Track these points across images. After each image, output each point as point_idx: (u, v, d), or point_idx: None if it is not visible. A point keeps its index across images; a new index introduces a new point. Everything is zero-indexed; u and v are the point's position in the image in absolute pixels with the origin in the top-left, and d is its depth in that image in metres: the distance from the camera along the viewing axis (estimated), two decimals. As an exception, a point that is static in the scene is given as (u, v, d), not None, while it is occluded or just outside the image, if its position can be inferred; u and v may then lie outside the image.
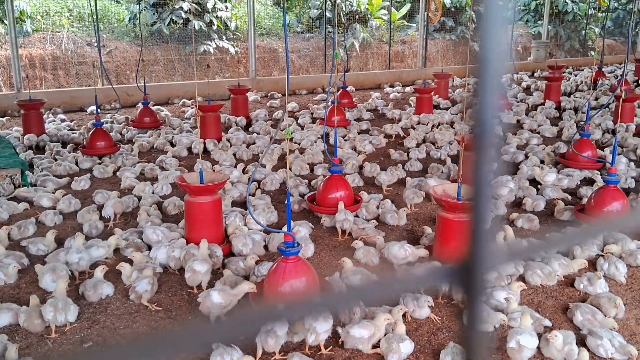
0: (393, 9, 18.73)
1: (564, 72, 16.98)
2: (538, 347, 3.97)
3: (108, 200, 6.41)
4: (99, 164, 8.25)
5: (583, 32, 21.66)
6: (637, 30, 22.04)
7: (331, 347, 3.97)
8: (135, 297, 4.58)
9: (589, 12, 21.43)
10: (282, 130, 5.47)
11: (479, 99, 0.67)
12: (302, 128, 10.52)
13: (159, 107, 12.34)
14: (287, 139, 4.36)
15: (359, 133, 10.16)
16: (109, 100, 12.65)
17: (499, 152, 8.59)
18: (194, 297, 4.58)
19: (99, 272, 4.72)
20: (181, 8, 15.59)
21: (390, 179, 7.35)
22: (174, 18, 15.76)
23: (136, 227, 5.84)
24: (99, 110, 11.90)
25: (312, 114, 11.83)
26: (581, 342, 4.01)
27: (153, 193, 6.97)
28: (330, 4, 16.01)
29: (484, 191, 0.67)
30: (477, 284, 0.71)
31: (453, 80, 15.95)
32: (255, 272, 4.79)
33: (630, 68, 17.55)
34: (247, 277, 4.79)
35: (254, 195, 6.81)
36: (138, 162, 8.29)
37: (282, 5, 19.14)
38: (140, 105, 10.76)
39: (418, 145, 9.31)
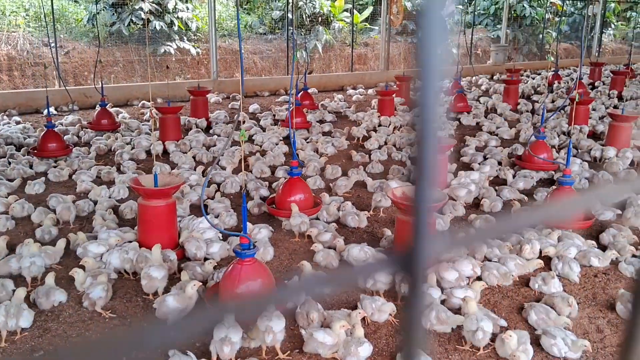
0: (355, 12, 18.82)
1: (522, 75, 17.32)
2: (493, 347, 4.02)
3: (58, 205, 6.24)
4: (54, 167, 8.04)
5: (540, 36, 22.15)
6: (592, 34, 22.66)
7: (288, 352, 3.95)
8: (89, 304, 4.46)
9: (546, 17, 21.94)
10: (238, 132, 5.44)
11: (420, 101, 0.66)
12: (264, 130, 10.47)
13: (117, 108, 12.11)
14: (242, 141, 4.32)
15: (322, 135, 10.16)
16: (66, 102, 12.35)
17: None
18: (150, 303, 4.49)
19: (50, 278, 4.59)
20: (141, 9, 15.34)
21: (346, 184, 7.33)
22: (133, 19, 15.50)
23: (91, 232, 5.71)
24: (55, 112, 11.68)
25: (274, 115, 11.78)
26: (536, 341, 4.08)
27: (110, 197, 6.83)
28: (292, 6, 15.98)
29: (424, 181, 0.66)
30: (418, 270, 0.70)
31: (415, 83, 16.06)
32: (214, 277, 4.73)
33: (585, 71, 18.03)
34: (204, 282, 4.72)
35: (213, 198, 6.73)
36: (95, 165, 8.11)
37: (241, 7, 19.05)
38: (97, 107, 10.54)
39: (380, 147, 9.36)
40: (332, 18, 18.72)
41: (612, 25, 25.34)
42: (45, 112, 9.34)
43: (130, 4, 15.64)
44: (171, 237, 5.40)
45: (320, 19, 18.37)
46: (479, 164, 8.30)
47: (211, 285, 4.59)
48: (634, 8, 26.10)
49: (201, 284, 4.39)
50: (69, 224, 6.13)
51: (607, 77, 16.23)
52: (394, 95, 12.27)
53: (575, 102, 7.71)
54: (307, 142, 9.44)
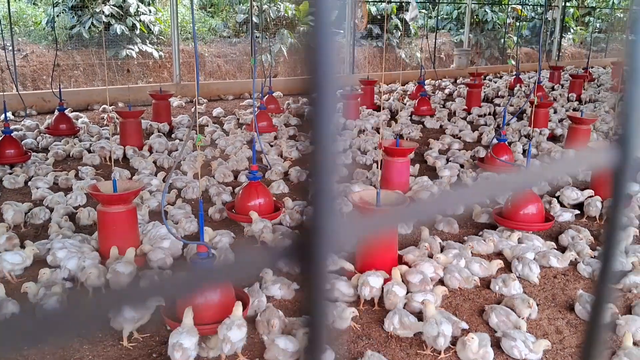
0: (320, 15, 18.82)
1: (484, 79, 17.57)
2: (455, 350, 4.02)
3: (7, 211, 6.05)
4: (10, 173, 7.79)
5: (502, 40, 22.53)
6: (552, 38, 23.14)
7: (249, 360, 3.88)
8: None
9: (508, 22, 22.32)
10: (194, 138, 5.35)
11: (316, 109, 0.61)
12: (227, 134, 10.36)
13: (78, 113, 11.85)
14: (199, 146, 4.24)
15: (289, 138, 10.10)
16: (24, 107, 12.01)
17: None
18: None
19: (0, 290, 4.43)
20: (102, 12, 15.05)
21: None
22: (94, 22, 15.19)
23: (47, 240, 5.55)
24: (12, 117, 11.34)
25: (238, 119, 11.67)
26: (496, 343, 4.09)
27: (67, 204, 6.64)
28: (257, 9, 15.90)
29: (324, 168, 0.61)
30: (317, 258, 0.65)
31: (379, 87, 16.18)
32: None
33: (545, 75, 18.39)
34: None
35: (174, 204, 6.61)
36: (52, 172, 7.88)
37: (205, 10, 18.88)
38: (56, 112, 10.28)
39: (344, 150, 9.34)
40: (297, 21, 18.70)
41: (572, 30, 25.93)
42: (2, 117, 9.07)
43: (91, 7, 15.33)
44: (132, 244, 5.27)
45: (285, 22, 18.33)
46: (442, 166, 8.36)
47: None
48: (592, 13, 26.77)
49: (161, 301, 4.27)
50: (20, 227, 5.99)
51: (567, 81, 16.58)
52: (358, 99, 12.30)
53: (534, 105, 7.83)
54: (272, 146, 9.37)
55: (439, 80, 17.30)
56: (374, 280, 4.54)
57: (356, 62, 18.03)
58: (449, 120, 11.89)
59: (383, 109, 12.96)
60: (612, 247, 0.83)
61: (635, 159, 0.82)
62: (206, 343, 3.83)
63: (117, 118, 9.52)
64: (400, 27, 19.59)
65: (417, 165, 8.20)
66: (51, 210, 6.42)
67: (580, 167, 0.93)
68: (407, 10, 16.83)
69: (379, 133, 10.64)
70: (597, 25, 27.39)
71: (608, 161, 0.83)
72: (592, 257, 5.44)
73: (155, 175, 7.71)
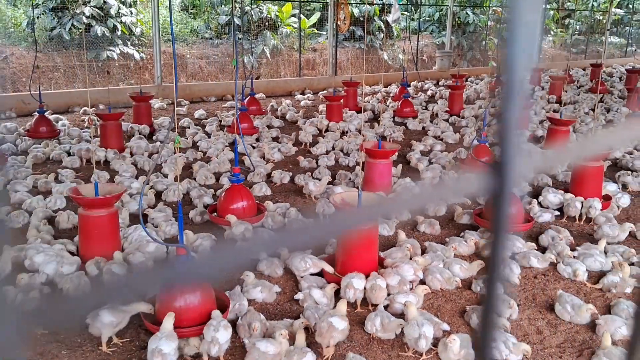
0: (303, 17, 18.82)
1: (466, 81, 17.67)
2: (436, 352, 4.03)
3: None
4: (-13, 176, 7.67)
5: (483, 42, 22.70)
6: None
7: (230, 364, 3.86)
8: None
9: (489, 24, 22.49)
10: (172, 140, 5.32)
11: None
12: (209, 136, 10.30)
13: (58, 115, 11.71)
14: (177, 148, 4.21)
15: (272, 140, 10.07)
16: (4, 110, 11.86)
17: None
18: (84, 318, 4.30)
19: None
20: (83, 13, 14.89)
21: (319, 189, 7.25)
22: (75, 23, 15.02)
23: (25, 244, 5.47)
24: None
25: (220, 121, 11.62)
26: (477, 344, 4.11)
27: (47, 208, 6.55)
28: (239, 11, 15.84)
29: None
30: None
31: (362, 89, 16.20)
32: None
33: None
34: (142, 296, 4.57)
35: (154, 207, 6.55)
36: (31, 175, 7.78)
37: (187, 11, 18.79)
38: (35, 114, 10.15)
39: (327, 152, 9.33)
40: (279, 23, 18.67)
41: (552, 32, 26.20)
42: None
43: (72, 8, 15.16)
44: (114, 248, 5.22)
45: (267, 24, 18.29)
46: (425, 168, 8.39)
47: (148, 299, 4.43)
48: (572, 16, 27.08)
49: (151, 310, 4.22)
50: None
51: (547, 82, 16.74)
52: (341, 100, 12.31)
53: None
54: (254, 148, 9.33)
55: (421, 82, 17.37)
56: (357, 283, 4.54)
57: (339, 64, 18.05)
58: (431, 121, 11.95)
59: (365, 110, 12.98)
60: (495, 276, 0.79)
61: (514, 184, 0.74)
62: (187, 344, 3.80)
63: (97, 120, 9.42)
64: (383, 29, 19.65)
65: (400, 167, 8.22)
66: (30, 214, 6.33)
67: (461, 193, 0.88)
68: (390, 12, 16.89)
69: (361, 135, 10.66)
70: (577, 27, 27.71)
71: (486, 187, 0.76)
72: (572, 258, 5.49)
73: (136, 178, 7.64)
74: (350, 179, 7.86)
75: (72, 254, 5.21)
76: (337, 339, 3.98)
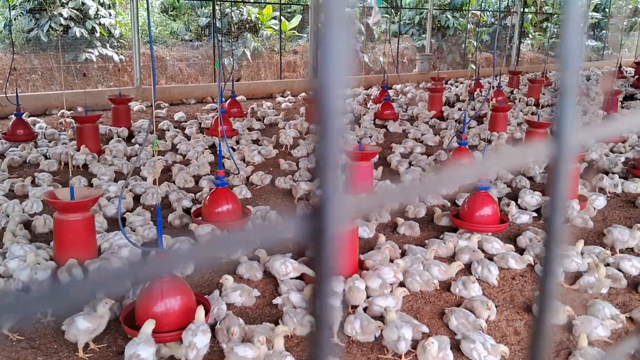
0: (284, 19, 18.80)
1: (446, 84, 17.79)
2: (415, 354, 4.04)
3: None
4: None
5: (463, 45, 22.88)
6: (511, 44, 23.61)
7: (208, 368, 3.83)
8: (-7, 327, 4.18)
9: (468, 27, 22.69)
10: (151, 143, 5.28)
11: None
12: (189, 138, 10.23)
13: (35, 118, 11.56)
14: (156, 150, 4.17)
15: (253, 142, 10.03)
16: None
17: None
18: (60, 324, 4.24)
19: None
20: (60, 14, 14.71)
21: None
22: (52, 25, 14.83)
23: (1, 248, 5.39)
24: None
25: (200, 124, 11.55)
26: (456, 346, 4.13)
27: (23, 212, 6.46)
28: (219, 13, 15.79)
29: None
30: (326, 232, 0.64)
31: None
32: (131, 295, 4.53)
33: (505, 80, 18.72)
34: (120, 300, 4.51)
35: (132, 210, 6.49)
36: (8, 178, 7.66)
37: (167, 13, 18.66)
38: (12, 117, 10.01)
39: (308, 155, 9.32)
40: (260, 25, 18.63)
41: (530, 36, 26.51)
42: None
43: (50, 9, 14.96)
44: (90, 253, 5.16)
45: (248, 26, 18.24)
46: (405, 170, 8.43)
47: (128, 304, 4.39)
48: (549, 19, 27.42)
49: (115, 302, 4.20)
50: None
51: (525, 85, 16.92)
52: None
53: (490, 109, 7.96)
54: (234, 151, 9.29)
55: (402, 85, 17.45)
56: (336, 285, 4.54)
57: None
58: (411, 124, 12.00)
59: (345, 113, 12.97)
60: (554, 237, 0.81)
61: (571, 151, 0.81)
62: (169, 346, 3.77)
63: (73, 123, 9.30)
64: (364, 32, 19.70)
65: (381, 169, 8.24)
66: (7, 216, 6.24)
67: (526, 159, 0.92)
68: (370, 15, 16.95)
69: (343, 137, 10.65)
70: (555, 30, 28.06)
71: (547, 153, 0.82)
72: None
73: (115, 181, 7.56)
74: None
75: (46, 259, 5.13)
76: None
